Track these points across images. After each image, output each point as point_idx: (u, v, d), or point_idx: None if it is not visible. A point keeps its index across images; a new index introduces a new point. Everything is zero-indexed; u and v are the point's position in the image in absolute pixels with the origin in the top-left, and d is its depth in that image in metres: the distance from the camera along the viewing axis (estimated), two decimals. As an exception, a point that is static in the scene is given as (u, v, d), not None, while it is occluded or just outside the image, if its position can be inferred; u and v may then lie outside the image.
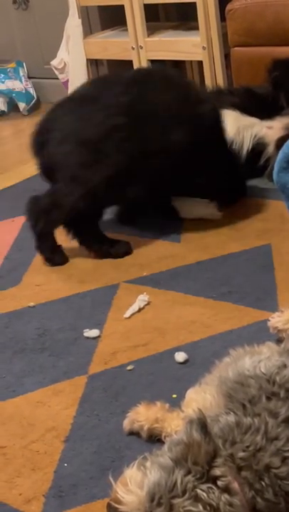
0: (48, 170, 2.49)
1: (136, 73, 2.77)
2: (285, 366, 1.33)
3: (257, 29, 2.94)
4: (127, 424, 1.61)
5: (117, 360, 1.89)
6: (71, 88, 3.76)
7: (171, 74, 2.71)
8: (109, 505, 1.19)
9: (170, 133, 2.38)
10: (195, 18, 3.26)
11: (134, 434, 1.60)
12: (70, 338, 2.02)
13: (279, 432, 1.20)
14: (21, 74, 4.21)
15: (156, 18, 3.83)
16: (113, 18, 3.76)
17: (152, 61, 3.48)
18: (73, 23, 3.67)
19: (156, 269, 2.31)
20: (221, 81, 3.28)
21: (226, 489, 1.14)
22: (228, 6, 3.01)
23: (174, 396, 1.67)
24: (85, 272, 2.36)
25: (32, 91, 4.21)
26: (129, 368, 1.85)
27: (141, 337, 1.97)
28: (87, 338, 2.01)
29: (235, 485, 1.15)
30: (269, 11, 2.90)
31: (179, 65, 3.87)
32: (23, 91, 4.18)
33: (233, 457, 1.18)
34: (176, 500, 1.12)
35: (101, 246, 2.45)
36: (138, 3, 3.37)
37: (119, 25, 3.71)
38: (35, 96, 4.22)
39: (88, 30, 3.79)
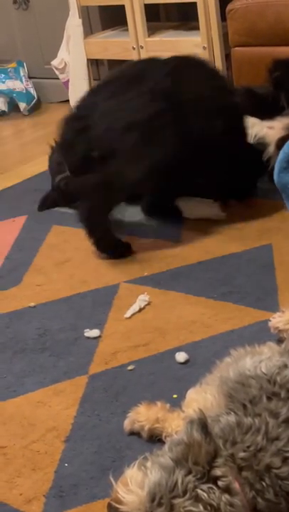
0: (86, 156, 2.43)
1: (175, 59, 2.77)
2: (285, 366, 1.33)
3: (258, 29, 2.94)
4: (127, 424, 1.61)
5: (117, 360, 1.89)
6: (71, 88, 3.77)
7: (205, 62, 2.74)
8: (109, 505, 1.19)
9: (210, 120, 2.41)
10: (196, 18, 3.26)
11: (134, 434, 1.60)
12: (71, 338, 2.02)
13: (280, 432, 1.20)
14: (22, 74, 4.21)
15: (156, 18, 3.83)
16: (114, 18, 3.76)
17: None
18: (74, 23, 3.67)
19: (156, 269, 2.31)
20: (221, 81, 3.28)
21: (227, 489, 1.14)
22: (229, 6, 3.01)
23: (175, 396, 1.67)
24: (86, 272, 2.36)
25: (32, 91, 4.22)
26: (129, 368, 1.85)
27: (141, 337, 1.97)
28: (88, 338, 2.01)
29: (236, 485, 1.15)
30: (270, 10, 2.90)
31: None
32: (24, 91, 4.18)
33: (233, 457, 1.18)
34: (176, 501, 1.12)
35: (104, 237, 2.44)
36: (139, 3, 3.38)
37: (120, 25, 3.71)
38: (35, 96, 4.23)
39: (89, 30, 3.80)
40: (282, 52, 2.79)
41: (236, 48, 3.05)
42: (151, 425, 1.55)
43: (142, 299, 2.13)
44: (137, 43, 3.46)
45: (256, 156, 2.48)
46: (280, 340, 1.71)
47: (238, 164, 2.51)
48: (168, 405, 1.58)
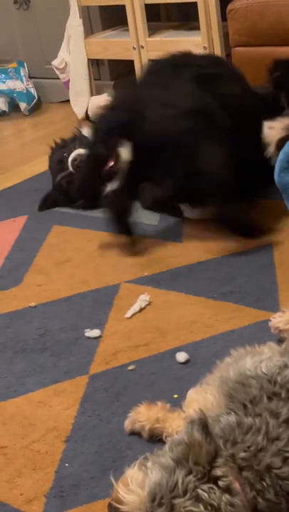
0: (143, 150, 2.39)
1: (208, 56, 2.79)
2: (286, 366, 1.33)
3: (258, 29, 2.94)
4: (128, 424, 1.61)
5: (118, 360, 1.89)
6: (72, 88, 3.77)
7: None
8: (110, 505, 1.19)
9: (246, 119, 2.44)
10: (196, 18, 3.26)
11: (135, 434, 1.60)
12: (71, 338, 2.02)
13: (280, 432, 1.20)
14: (22, 74, 4.21)
15: (157, 18, 3.83)
16: (114, 18, 3.76)
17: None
18: (74, 23, 3.67)
19: (157, 269, 2.31)
20: (222, 81, 3.28)
21: (227, 489, 1.14)
22: (229, 6, 3.01)
23: (175, 396, 1.67)
24: (86, 272, 2.36)
25: (33, 91, 4.22)
26: (130, 368, 1.85)
27: (142, 337, 1.97)
28: (89, 338, 2.01)
29: (237, 485, 1.15)
30: (270, 10, 2.90)
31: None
32: (24, 91, 4.18)
33: (234, 457, 1.18)
34: (177, 501, 1.12)
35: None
36: (139, 3, 3.37)
37: (120, 25, 3.71)
38: (36, 96, 4.23)
39: (89, 30, 3.80)
40: (283, 53, 2.79)
41: (237, 48, 3.05)
42: (152, 425, 1.55)
43: (142, 299, 2.13)
44: (138, 43, 3.46)
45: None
46: (280, 340, 1.71)
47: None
48: (168, 405, 1.58)
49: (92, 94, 3.71)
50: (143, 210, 2.73)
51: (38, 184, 3.09)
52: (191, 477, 1.14)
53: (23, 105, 4.17)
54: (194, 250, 2.39)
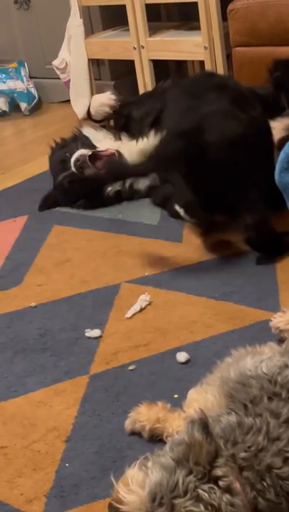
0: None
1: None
2: (286, 366, 1.33)
3: (258, 29, 2.94)
4: (128, 424, 1.61)
5: (118, 360, 1.89)
6: (72, 88, 3.77)
7: None
8: (110, 505, 1.19)
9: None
10: (197, 18, 3.26)
11: (135, 434, 1.60)
12: (72, 338, 2.02)
13: (281, 433, 1.20)
14: (23, 74, 4.22)
15: (157, 18, 3.83)
16: (114, 18, 3.76)
17: (154, 61, 3.48)
18: (75, 23, 3.67)
19: (157, 269, 2.31)
20: (222, 81, 3.28)
21: (228, 489, 1.14)
22: (230, 6, 3.01)
23: (176, 396, 1.67)
24: (87, 272, 2.36)
25: (33, 91, 4.22)
26: (130, 367, 1.85)
27: (142, 337, 1.97)
28: (89, 338, 2.01)
29: (237, 485, 1.15)
30: (271, 10, 2.90)
31: (180, 65, 3.88)
32: (25, 91, 4.18)
33: (234, 457, 1.18)
34: (177, 501, 1.12)
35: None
36: (139, 3, 3.37)
37: (121, 25, 3.71)
38: (36, 96, 4.23)
39: (90, 30, 3.79)
40: (283, 53, 2.79)
41: (237, 48, 3.05)
42: (152, 425, 1.55)
43: (142, 299, 2.13)
44: (138, 43, 3.46)
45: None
46: (280, 340, 1.71)
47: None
48: (169, 405, 1.58)
49: (92, 94, 3.70)
50: (143, 210, 2.74)
51: (38, 184, 3.09)
52: (191, 477, 1.14)
53: (23, 105, 4.17)
54: (195, 250, 2.39)
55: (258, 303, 2.04)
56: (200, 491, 1.13)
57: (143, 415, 1.57)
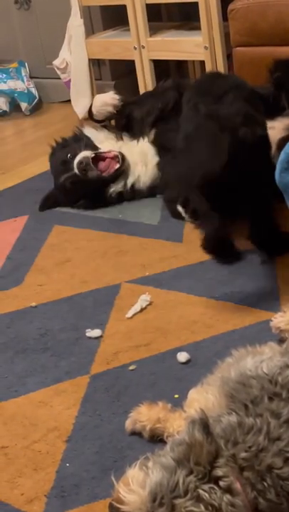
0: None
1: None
2: (287, 366, 1.33)
3: (259, 29, 2.94)
4: (129, 424, 1.61)
5: (119, 360, 1.89)
6: (73, 88, 3.77)
7: None
8: (111, 505, 1.20)
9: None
10: (197, 18, 3.25)
11: (136, 434, 1.60)
12: (72, 338, 2.02)
13: (281, 433, 1.20)
14: (23, 74, 4.22)
15: (158, 18, 3.83)
16: (115, 18, 3.76)
17: (155, 61, 3.48)
18: (75, 23, 3.67)
19: (158, 269, 2.31)
20: (223, 81, 3.28)
21: (228, 489, 1.14)
22: (230, 6, 3.00)
23: (176, 396, 1.67)
24: (87, 272, 2.36)
25: (34, 91, 4.22)
26: (131, 368, 1.85)
27: (143, 337, 1.97)
28: (89, 338, 2.01)
29: (238, 485, 1.15)
30: (271, 10, 2.89)
31: (181, 65, 3.88)
32: (25, 91, 4.18)
33: (235, 457, 1.18)
34: (178, 501, 1.12)
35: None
36: (140, 3, 3.37)
37: (121, 25, 3.71)
38: (37, 96, 4.23)
39: (90, 30, 3.79)
40: (284, 53, 2.79)
41: (237, 48, 3.04)
42: (153, 425, 1.55)
43: (143, 299, 2.13)
44: (139, 43, 3.46)
45: None
46: (281, 341, 1.71)
47: None
48: (169, 405, 1.58)
49: (93, 94, 3.71)
50: (144, 210, 2.74)
51: (38, 184, 3.09)
52: (192, 477, 1.14)
53: (23, 105, 4.17)
54: (195, 250, 2.38)
55: (259, 303, 2.04)
56: (200, 491, 1.13)
57: (144, 415, 1.58)
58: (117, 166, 2.80)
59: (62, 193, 2.86)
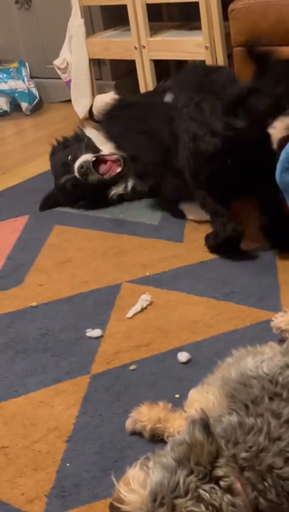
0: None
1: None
2: (287, 366, 1.33)
3: (260, 29, 2.94)
4: (129, 424, 1.61)
5: (119, 360, 1.89)
6: (73, 88, 3.77)
7: None
8: (111, 505, 1.19)
9: None
10: (198, 18, 3.26)
11: (136, 434, 1.60)
12: (73, 338, 2.02)
13: (282, 433, 1.20)
14: (24, 74, 4.22)
15: (158, 18, 3.83)
16: (115, 18, 3.76)
17: (155, 61, 3.48)
18: (76, 23, 3.67)
19: (158, 269, 2.31)
20: (223, 81, 3.28)
21: (229, 489, 1.14)
22: (231, 6, 3.00)
23: (177, 396, 1.67)
24: (88, 272, 2.36)
25: (34, 91, 4.22)
26: (131, 367, 1.85)
27: (143, 337, 1.97)
28: (90, 338, 2.01)
29: (238, 485, 1.15)
30: (272, 10, 2.89)
31: (181, 64, 3.88)
32: (26, 91, 4.18)
33: (235, 457, 1.17)
34: (178, 501, 1.12)
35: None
36: (141, 3, 3.37)
37: (122, 25, 3.71)
38: (37, 96, 4.23)
39: (91, 30, 3.80)
40: (284, 52, 2.79)
41: (238, 48, 3.04)
42: (153, 425, 1.55)
43: (143, 299, 2.13)
44: (139, 43, 3.46)
45: None
46: (282, 340, 1.71)
47: None
48: (170, 405, 1.58)
49: (93, 94, 3.71)
50: (144, 210, 2.74)
51: (39, 184, 3.09)
52: (192, 477, 1.13)
53: (24, 105, 4.17)
54: (196, 250, 2.39)
55: (259, 303, 2.04)
56: (201, 491, 1.13)
57: (144, 415, 1.57)
58: (119, 169, 2.80)
59: (62, 194, 2.86)
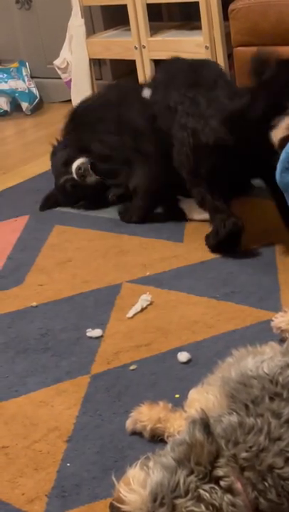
0: None
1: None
2: (288, 366, 1.33)
3: (260, 29, 2.94)
4: (129, 424, 1.61)
5: (119, 360, 1.89)
6: (74, 88, 3.77)
7: None
8: (111, 505, 1.19)
9: None
10: (198, 18, 3.26)
11: (136, 434, 1.60)
12: (73, 338, 2.02)
13: (282, 433, 1.20)
14: (24, 74, 4.22)
15: (159, 18, 3.83)
16: (116, 18, 3.76)
17: (155, 61, 3.48)
18: (76, 23, 3.67)
19: (159, 269, 2.31)
20: (223, 81, 3.27)
21: (229, 489, 1.14)
22: (231, 6, 3.00)
23: (177, 396, 1.67)
24: (88, 272, 2.36)
25: (35, 90, 4.22)
26: (131, 367, 1.85)
27: (144, 337, 1.97)
28: (90, 337, 2.01)
29: (238, 485, 1.15)
30: (272, 10, 2.89)
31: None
32: (26, 91, 4.18)
33: (236, 457, 1.17)
34: (178, 501, 1.12)
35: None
36: (141, 3, 3.38)
37: (122, 25, 3.72)
38: (38, 96, 4.23)
39: (91, 30, 3.80)
40: (285, 52, 2.78)
41: (238, 48, 3.04)
42: (154, 425, 1.55)
43: (144, 299, 2.13)
44: (140, 43, 3.46)
45: None
46: (282, 340, 1.71)
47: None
48: (170, 405, 1.58)
49: (94, 94, 3.71)
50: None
51: (39, 184, 3.09)
52: (192, 477, 1.13)
53: (24, 105, 4.18)
54: (196, 250, 2.39)
55: (260, 303, 2.04)
56: (201, 491, 1.13)
57: (144, 415, 1.57)
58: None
59: (62, 195, 2.85)
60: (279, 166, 1.96)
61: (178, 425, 1.51)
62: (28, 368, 1.92)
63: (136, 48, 3.47)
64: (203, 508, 1.12)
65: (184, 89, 2.50)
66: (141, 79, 3.52)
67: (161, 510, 1.12)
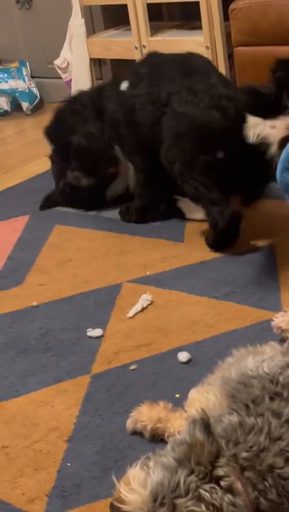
0: None
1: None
2: (288, 366, 1.33)
3: (260, 29, 2.94)
4: (130, 423, 1.61)
5: (120, 360, 1.89)
6: (74, 87, 3.77)
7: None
8: (112, 505, 1.19)
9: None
10: (198, 18, 3.26)
11: (137, 433, 1.60)
12: (73, 338, 2.02)
13: (282, 432, 1.20)
14: (24, 73, 4.22)
15: (159, 18, 3.83)
16: (116, 18, 3.76)
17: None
18: (76, 23, 3.67)
19: (159, 268, 2.31)
20: (224, 81, 3.27)
21: (229, 489, 1.14)
22: (232, 6, 3.00)
23: (177, 396, 1.67)
24: (88, 272, 2.36)
25: (35, 90, 4.22)
26: (132, 367, 1.85)
27: (144, 337, 1.97)
28: (91, 337, 2.01)
29: (239, 485, 1.15)
30: (273, 10, 2.89)
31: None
32: (27, 90, 4.18)
33: (236, 457, 1.17)
34: (179, 501, 1.12)
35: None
36: (141, 3, 3.38)
37: (123, 25, 3.72)
38: (38, 95, 4.23)
39: (91, 30, 3.80)
40: (285, 52, 2.78)
41: (239, 48, 3.04)
42: (154, 425, 1.55)
43: (144, 299, 2.13)
44: (140, 43, 3.46)
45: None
46: (282, 340, 1.71)
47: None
48: (170, 405, 1.58)
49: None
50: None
51: (39, 184, 3.10)
52: (193, 477, 1.13)
53: (25, 105, 4.18)
54: (196, 250, 2.39)
55: (260, 303, 2.04)
56: (201, 491, 1.12)
57: (144, 415, 1.57)
58: (111, 170, 2.80)
59: (62, 195, 2.85)
60: (279, 166, 1.96)
61: (178, 425, 1.51)
62: (29, 368, 1.92)
63: (136, 47, 3.47)
64: (203, 507, 1.12)
65: (178, 79, 2.50)
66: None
67: (162, 510, 1.12)
